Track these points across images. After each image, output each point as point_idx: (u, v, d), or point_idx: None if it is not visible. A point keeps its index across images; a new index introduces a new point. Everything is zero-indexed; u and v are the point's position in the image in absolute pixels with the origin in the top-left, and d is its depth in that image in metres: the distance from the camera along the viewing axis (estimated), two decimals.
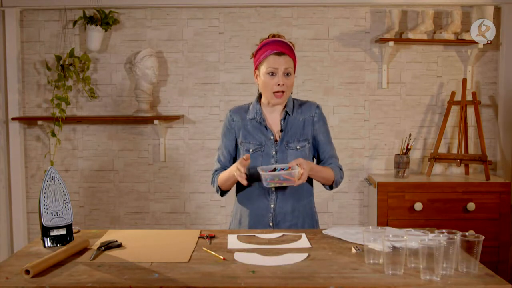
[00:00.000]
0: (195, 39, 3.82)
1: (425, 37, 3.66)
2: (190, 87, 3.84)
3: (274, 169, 2.14)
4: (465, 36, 3.62)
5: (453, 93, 3.73)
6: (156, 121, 3.68)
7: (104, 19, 3.66)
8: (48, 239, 1.95)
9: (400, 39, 3.66)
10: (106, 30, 3.70)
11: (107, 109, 3.87)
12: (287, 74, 2.24)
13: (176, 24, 3.82)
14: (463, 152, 3.72)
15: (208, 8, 3.79)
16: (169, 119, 3.77)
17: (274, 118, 2.34)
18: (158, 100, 3.85)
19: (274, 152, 2.29)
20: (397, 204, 3.48)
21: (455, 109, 3.81)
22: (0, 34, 3.80)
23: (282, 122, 2.32)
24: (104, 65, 3.84)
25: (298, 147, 2.30)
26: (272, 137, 2.30)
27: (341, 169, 2.36)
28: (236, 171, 2.14)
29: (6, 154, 3.87)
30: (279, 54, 2.23)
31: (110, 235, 2.10)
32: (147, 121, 3.78)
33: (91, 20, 3.65)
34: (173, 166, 3.88)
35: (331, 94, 3.81)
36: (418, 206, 3.46)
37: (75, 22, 3.74)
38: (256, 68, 2.30)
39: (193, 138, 3.86)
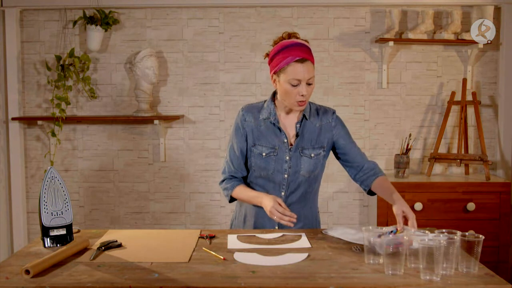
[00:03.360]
0: (195, 39, 3.82)
1: (425, 37, 3.66)
2: (190, 87, 3.84)
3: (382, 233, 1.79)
4: (465, 36, 3.62)
5: (453, 93, 3.74)
6: (156, 121, 3.68)
7: (104, 19, 3.66)
8: (48, 239, 1.95)
9: (400, 39, 3.66)
10: (106, 30, 3.70)
11: (107, 109, 3.87)
12: (309, 83, 2.12)
13: (176, 24, 3.82)
14: (463, 152, 3.72)
15: (208, 8, 3.79)
16: (169, 119, 3.77)
17: (289, 121, 2.25)
18: (158, 100, 3.85)
19: (288, 157, 2.21)
20: None
21: (455, 109, 3.81)
22: (0, 34, 3.80)
23: (297, 125, 2.23)
24: (104, 65, 3.84)
25: (312, 154, 2.22)
26: (286, 140, 2.21)
27: (376, 164, 2.27)
28: (276, 215, 2.02)
29: (6, 154, 3.87)
30: (302, 61, 2.09)
31: (110, 235, 2.10)
32: (147, 121, 3.78)
33: (91, 20, 3.65)
34: (173, 166, 3.88)
35: (331, 94, 3.81)
36: (418, 206, 3.46)
37: (75, 22, 3.74)
38: (275, 72, 2.15)
39: (193, 138, 3.86)
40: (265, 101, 2.30)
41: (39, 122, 3.75)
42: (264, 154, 2.22)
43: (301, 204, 2.27)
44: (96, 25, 3.64)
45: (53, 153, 3.81)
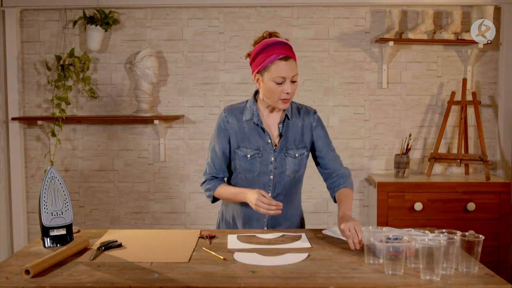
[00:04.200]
0: (195, 39, 3.82)
1: (425, 37, 3.66)
2: (190, 87, 3.84)
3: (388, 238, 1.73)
4: (465, 36, 3.62)
5: (453, 93, 3.74)
6: (156, 121, 3.68)
7: (104, 19, 3.66)
8: (48, 239, 1.95)
9: (400, 39, 3.66)
10: (106, 30, 3.70)
11: (107, 109, 3.87)
12: (293, 81, 2.13)
13: (176, 24, 3.82)
14: (463, 152, 3.72)
15: (208, 8, 3.79)
16: (169, 119, 3.76)
17: (271, 120, 2.24)
18: (158, 100, 3.85)
19: (273, 158, 2.20)
20: (397, 204, 3.48)
21: (455, 109, 3.81)
22: (0, 34, 3.80)
23: (280, 126, 2.23)
24: (104, 65, 3.84)
25: (297, 154, 2.22)
26: (269, 141, 2.20)
27: (350, 176, 2.29)
28: (263, 207, 2.01)
29: (6, 154, 3.87)
30: (285, 59, 2.09)
31: (110, 235, 2.10)
32: (147, 121, 3.78)
33: (91, 20, 3.65)
34: (173, 166, 3.88)
35: (331, 94, 3.81)
36: (418, 206, 3.46)
37: (75, 22, 3.74)
38: (258, 72, 2.14)
39: (193, 138, 3.86)
40: (246, 101, 2.28)
41: (39, 122, 3.75)
42: (249, 156, 2.20)
43: (287, 205, 2.26)
44: (96, 25, 3.64)
45: (53, 153, 3.81)
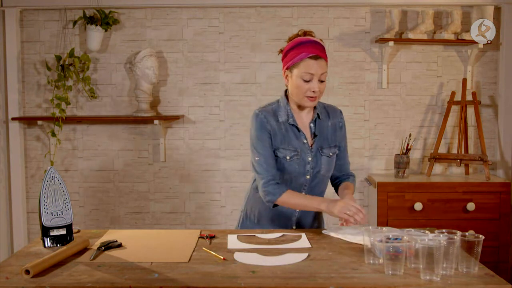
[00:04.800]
0: (195, 39, 3.82)
1: (425, 37, 3.66)
2: (190, 87, 3.84)
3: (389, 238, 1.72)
4: (465, 36, 3.62)
5: (453, 93, 3.74)
6: (156, 121, 3.68)
7: (104, 19, 3.66)
8: (48, 239, 1.95)
9: (400, 39, 3.66)
10: (106, 30, 3.70)
11: (107, 109, 3.86)
12: (321, 80, 2.14)
13: (176, 24, 3.81)
14: (463, 152, 3.72)
15: (208, 8, 3.79)
16: (169, 119, 3.76)
17: (303, 121, 2.24)
18: (158, 100, 3.85)
19: (310, 159, 2.21)
20: (397, 204, 3.48)
21: (455, 109, 3.81)
22: (0, 34, 3.80)
23: (311, 125, 2.24)
24: (104, 65, 3.84)
25: (330, 153, 2.24)
26: (305, 141, 2.21)
27: (354, 176, 2.38)
28: (352, 210, 2.00)
29: (6, 154, 3.87)
30: (315, 58, 2.11)
31: (110, 235, 2.10)
32: (147, 121, 3.78)
33: (91, 20, 3.65)
34: (173, 166, 3.88)
35: (331, 94, 3.81)
36: (418, 206, 3.45)
37: (75, 22, 3.74)
38: (287, 68, 2.17)
39: (193, 138, 3.86)
40: (277, 101, 2.27)
41: (39, 122, 3.75)
42: (288, 157, 2.19)
43: None
44: (96, 25, 3.64)
45: (53, 153, 3.81)
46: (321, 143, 2.23)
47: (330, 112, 2.31)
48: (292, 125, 2.21)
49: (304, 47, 2.13)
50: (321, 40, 2.20)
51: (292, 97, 2.21)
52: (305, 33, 2.20)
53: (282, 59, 2.22)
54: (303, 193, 2.23)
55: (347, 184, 2.32)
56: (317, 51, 2.12)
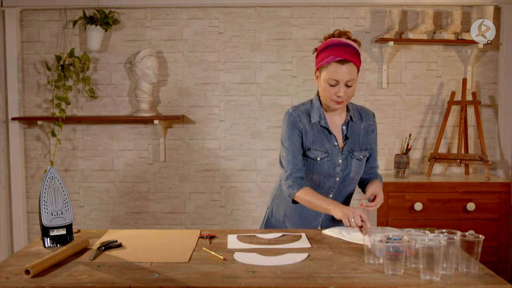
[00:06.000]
0: (195, 39, 3.82)
1: (425, 37, 3.66)
2: (190, 87, 3.84)
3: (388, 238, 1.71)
4: (465, 36, 3.62)
5: (453, 93, 3.74)
6: (156, 121, 3.68)
7: (104, 19, 3.66)
8: (48, 239, 1.95)
9: (400, 39, 3.66)
10: (106, 30, 3.70)
11: (107, 109, 3.86)
12: (348, 86, 2.09)
13: (176, 24, 3.81)
14: (463, 152, 3.72)
15: (208, 8, 3.79)
16: (169, 119, 3.76)
17: (336, 122, 2.22)
18: (158, 100, 3.85)
19: (340, 161, 2.19)
20: (397, 204, 3.48)
21: (455, 109, 3.81)
22: (0, 34, 3.80)
23: (344, 127, 2.22)
24: (104, 65, 3.84)
25: (361, 156, 2.22)
26: (336, 143, 2.19)
27: (382, 178, 2.36)
28: (357, 220, 1.96)
29: (6, 154, 3.87)
30: (343, 62, 2.05)
31: (110, 235, 2.10)
32: (147, 121, 3.78)
33: (91, 20, 3.65)
34: (173, 166, 3.88)
35: None
36: (418, 206, 3.46)
37: (75, 22, 3.74)
38: (317, 69, 2.15)
39: (193, 138, 3.86)
40: (310, 101, 2.25)
41: (39, 122, 3.75)
42: (319, 158, 2.18)
43: (345, 202, 2.29)
44: (96, 25, 3.64)
45: (53, 153, 3.81)
46: (352, 145, 2.21)
47: (363, 114, 2.27)
48: (324, 127, 2.19)
49: (332, 50, 2.08)
50: (356, 41, 2.14)
51: (321, 97, 2.18)
52: (340, 34, 2.14)
53: (315, 59, 2.19)
54: (331, 195, 2.23)
55: (374, 180, 2.30)
56: (346, 54, 2.06)
